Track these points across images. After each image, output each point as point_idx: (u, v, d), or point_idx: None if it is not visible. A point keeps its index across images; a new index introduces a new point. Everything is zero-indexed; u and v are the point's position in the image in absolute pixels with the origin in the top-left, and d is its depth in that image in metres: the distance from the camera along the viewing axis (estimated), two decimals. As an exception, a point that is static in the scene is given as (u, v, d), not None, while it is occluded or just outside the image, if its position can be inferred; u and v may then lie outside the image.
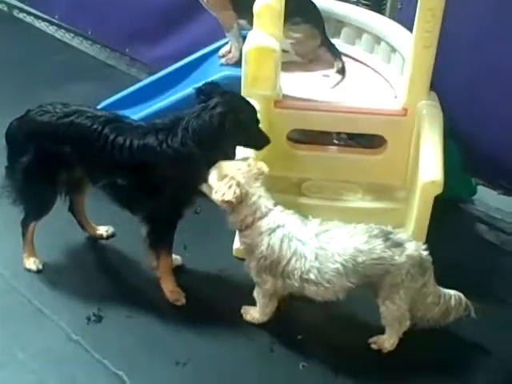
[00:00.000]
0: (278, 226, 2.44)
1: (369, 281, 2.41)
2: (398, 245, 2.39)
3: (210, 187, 2.48)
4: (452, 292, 2.54)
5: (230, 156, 2.59)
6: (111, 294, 2.82)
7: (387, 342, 2.55)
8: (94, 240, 3.10)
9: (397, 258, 2.37)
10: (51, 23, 5.23)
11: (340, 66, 3.32)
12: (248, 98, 2.69)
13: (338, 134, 3.51)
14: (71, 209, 3.01)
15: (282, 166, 3.10)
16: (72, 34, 5.10)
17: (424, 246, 2.46)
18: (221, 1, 3.29)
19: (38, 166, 2.69)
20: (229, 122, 2.49)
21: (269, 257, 2.45)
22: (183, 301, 2.77)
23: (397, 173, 3.09)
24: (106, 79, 4.46)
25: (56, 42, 5.13)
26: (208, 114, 2.51)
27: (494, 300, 2.83)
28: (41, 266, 2.91)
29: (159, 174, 2.58)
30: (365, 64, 3.40)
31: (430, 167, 2.69)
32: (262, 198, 2.46)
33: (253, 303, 2.69)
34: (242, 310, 2.69)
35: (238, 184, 2.41)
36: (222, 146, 2.55)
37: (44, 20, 5.28)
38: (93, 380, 2.46)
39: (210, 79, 3.24)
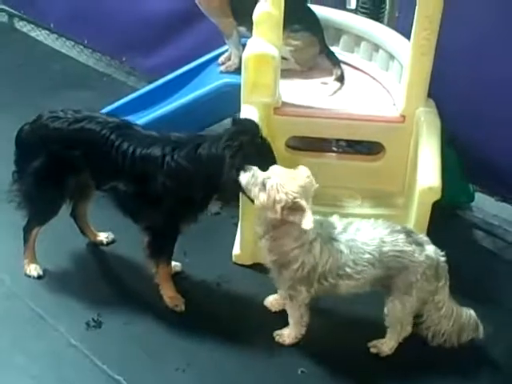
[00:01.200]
0: (318, 234, 2.40)
1: (388, 274, 2.42)
2: (419, 244, 2.43)
3: (262, 196, 2.30)
4: (465, 309, 2.55)
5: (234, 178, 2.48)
6: (111, 300, 2.83)
7: (386, 345, 2.57)
8: (95, 246, 3.11)
9: (417, 255, 2.40)
10: (51, 31, 5.26)
11: (339, 73, 3.34)
12: (247, 105, 2.70)
13: (337, 141, 3.53)
14: (73, 214, 3.03)
15: (281, 173, 3.12)
16: (72, 43, 5.12)
17: (442, 253, 2.49)
18: (220, 8, 3.31)
19: (48, 171, 2.71)
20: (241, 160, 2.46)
21: (307, 266, 2.41)
22: (182, 307, 2.78)
23: (395, 179, 3.10)
24: (104, 88, 4.49)
25: (54, 51, 5.15)
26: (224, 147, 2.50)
27: (491, 305, 2.83)
28: (41, 272, 2.92)
29: (159, 186, 2.58)
30: (363, 71, 3.42)
31: (427, 173, 2.71)
32: (307, 214, 2.30)
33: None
34: (277, 337, 2.62)
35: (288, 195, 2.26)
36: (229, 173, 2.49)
37: (44, 28, 5.31)
38: (92, 385, 2.47)
39: (209, 86, 3.29)
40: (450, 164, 3.09)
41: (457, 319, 2.52)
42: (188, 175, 2.54)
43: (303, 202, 2.27)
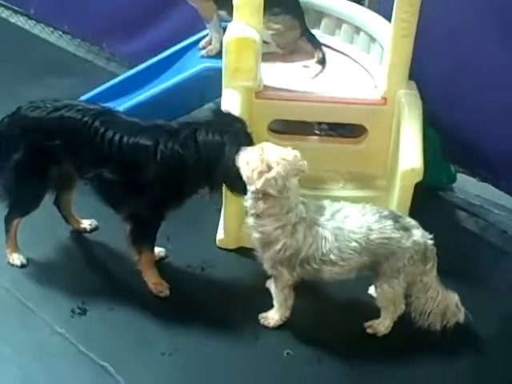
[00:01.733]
0: (302, 219, 2.41)
1: (375, 260, 2.44)
2: (406, 229, 2.44)
3: (245, 167, 2.36)
4: (450, 292, 2.57)
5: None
6: (95, 287, 2.83)
7: (382, 325, 2.59)
8: (78, 233, 3.10)
9: (404, 241, 2.42)
10: (29, 18, 5.19)
11: (320, 56, 3.34)
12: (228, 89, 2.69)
13: (320, 124, 3.53)
14: (56, 203, 3.00)
15: (264, 157, 3.13)
16: (51, 29, 5.05)
17: (430, 236, 2.50)
18: (200, -8, 3.30)
19: (30, 162, 2.69)
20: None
21: (289, 249, 2.42)
22: (167, 292, 2.78)
23: (377, 161, 3.11)
24: (84, 74, 4.43)
25: (34, 38, 5.08)
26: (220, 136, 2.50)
27: (473, 283, 2.87)
28: (25, 261, 2.90)
29: (148, 175, 2.57)
30: (345, 54, 3.42)
31: (409, 155, 2.72)
32: (293, 193, 2.38)
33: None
34: (262, 320, 2.64)
35: (281, 176, 2.31)
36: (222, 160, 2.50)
37: (22, 14, 5.23)
38: (78, 372, 2.47)
39: (190, 71, 3.27)
40: (432, 145, 3.12)
41: (442, 301, 2.54)
42: (184, 163, 2.53)
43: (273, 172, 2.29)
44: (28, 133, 2.65)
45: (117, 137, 2.56)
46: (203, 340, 2.60)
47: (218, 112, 2.65)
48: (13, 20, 5.29)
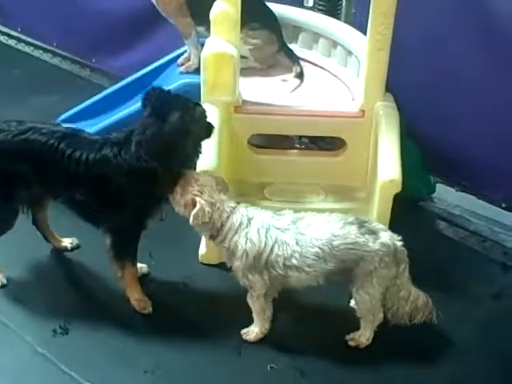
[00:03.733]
0: (250, 219, 2.47)
1: (344, 266, 2.45)
2: (373, 232, 2.45)
3: (177, 204, 2.50)
4: (421, 292, 2.59)
5: (192, 160, 2.59)
6: (77, 306, 2.81)
7: (363, 336, 2.59)
8: (59, 252, 3.08)
9: (371, 244, 2.42)
10: (10, 36, 5.18)
11: (298, 70, 3.37)
12: (207, 104, 2.70)
13: (300, 137, 3.56)
14: (34, 222, 2.99)
15: (244, 171, 3.14)
16: (32, 48, 5.06)
17: (399, 238, 2.51)
18: (178, 8, 3.30)
19: None
20: (186, 124, 2.48)
21: (250, 251, 2.45)
22: (150, 309, 2.76)
23: (357, 173, 3.14)
24: (68, 90, 4.42)
25: (17, 54, 5.07)
26: (161, 122, 2.48)
27: (454, 292, 2.90)
28: (5, 281, 2.88)
29: (117, 187, 2.56)
30: (322, 68, 3.45)
31: (387, 166, 2.75)
32: (224, 202, 2.48)
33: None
34: (244, 335, 2.64)
35: (207, 202, 2.43)
36: (180, 153, 2.52)
37: (3, 34, 5.23)
38: (61, 392, 2.45)
39: (169, 87, 3.27)
40: (411, 156, 3.14)
41: (413, 301, 2.55)
42: (144, 165, 2.50)
43: (198, 199, 2.43)
44: None
45: (83, 156, 2.55)
46: (186, 357, 2.58)
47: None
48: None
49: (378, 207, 2.79)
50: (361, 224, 2.45)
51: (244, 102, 3.06)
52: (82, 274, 3.00)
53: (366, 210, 2.92)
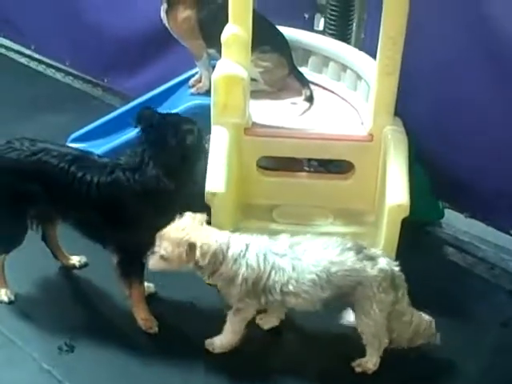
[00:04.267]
0: (247, 246, 2.46)
1: (341, 292, 2.45)
2: (371, 258, 2.45)
3: (173, 259, 2.46)
4: (423, 315, 2.58)
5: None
6: (84, 324, 2.81)
7: (370, 362, 2.57)
8: (67, 270, 3.09)
9: (368, 270, 2.42)
10: (23, 55, 5.24)
11: (308, 93, 3.39)
12: (217, 126, 2.73)
13: (309, 160, 3.57)
14: (44, 238, 3.01)
15: (253, 193, 3.15)
16: (44, 66, 5.11)
17: (396, 263, 2.51)
18: (190, 30, 3.34)
19: (6, 202, 2.69)
20: (200, 144, 2.53)
21: (249, 278, 2.45)
22: (156, 329, 2.76)
23: (365, 197, 3.14)
24: (80, 109, 4.45)
25: (29, 72, 5.12)
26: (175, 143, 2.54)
27: (462, 319, 2.88)
28: (12, 297, 2.89)
29: (128, 209, 2.60)
30: (332, 91, 3.47)
31: (396, 191, 2.75)
32: (217, 233, 2.49)
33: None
34: (208, 346, 2.65)
35: (202, 236, 2.43)
36: (193, 173, 2.56)
37: (16, 52, 5.29)
38: (65, 410, 2.45)
39: (180, 108, 3.31)
40: (419, 181, 3.14)
41: (416, 325, 2.55)
42: (154, 184, 2.55)
43: (193, 239, 2.42)
44: (4, 173, 2.67)
45: (94, 179, 2.58)
46: (191, 378, 2.58)
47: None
48: (10, 55, 5.34)
49: (386, 231, 2.79)
50: (359, 250, 2.45)
51: (254, 124, 3.08)
52: (89, 291, 3.01)
53: (375, 234, 2.92)
